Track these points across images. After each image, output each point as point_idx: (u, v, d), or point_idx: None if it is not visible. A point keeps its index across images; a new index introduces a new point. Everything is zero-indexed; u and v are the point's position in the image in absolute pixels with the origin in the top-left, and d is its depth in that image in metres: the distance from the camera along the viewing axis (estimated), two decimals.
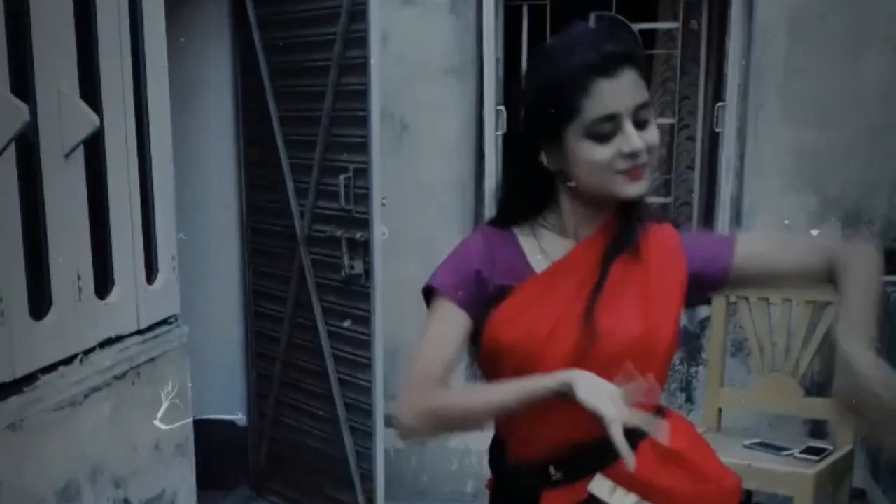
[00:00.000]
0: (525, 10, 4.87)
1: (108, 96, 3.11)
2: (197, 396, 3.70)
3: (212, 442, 4.50)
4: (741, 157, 4.74)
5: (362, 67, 4.11)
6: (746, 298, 4.08)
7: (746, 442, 3.92)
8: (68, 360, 2.94)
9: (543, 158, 1.86)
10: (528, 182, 1.91)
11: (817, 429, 4.58)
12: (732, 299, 4.11)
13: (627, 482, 1.82)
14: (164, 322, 3.47)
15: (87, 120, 2.91)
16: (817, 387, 4.57)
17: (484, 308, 1.87)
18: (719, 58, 4.84)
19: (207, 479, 4.02)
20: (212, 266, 5.02)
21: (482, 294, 1.87)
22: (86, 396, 2.99)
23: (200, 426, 3.85)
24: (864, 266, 1.85)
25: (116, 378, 3.15)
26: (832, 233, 4.70)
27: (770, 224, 4.68)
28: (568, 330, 1.81)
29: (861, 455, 4.47)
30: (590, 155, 1.78)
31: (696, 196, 5.03)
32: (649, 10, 5.02)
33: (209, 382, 4.71)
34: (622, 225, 1.89)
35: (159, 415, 3.41)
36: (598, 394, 1.63)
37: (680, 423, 1.99)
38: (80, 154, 2.94)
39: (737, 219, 4.76)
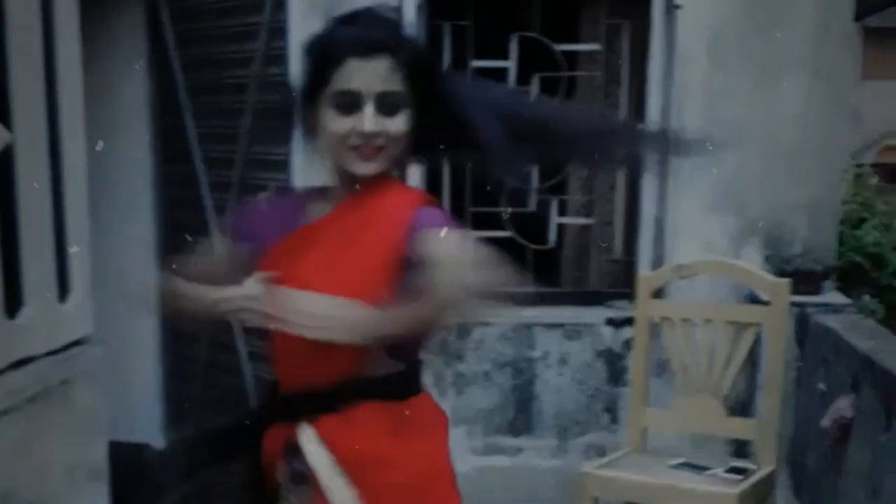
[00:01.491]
0: (447, 29, 4.85)
1: (19, 112, 3.04)
2: (112, 419, 3.62)
3: (128, 466, 4.41)
4: (663, 178, 4.76)
5: (283, 85, 4.07)
6: (669, 319, 4.08)
7: (671, 462, 3.91)
8: None
9: (307, 118, 2.04)
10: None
11: (740, 448, 4.60)
12: (656, 320, 4.11)
13: (326, 442, 2.00)
14: (77, 343, 3.39)
15: None
16: (740, 407, 4.60)
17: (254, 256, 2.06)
18: (641, 80, 4.87)
19: (123, 502, 3.93)
20: (127, 285, 4.93)
21: (253, 240, 2.09)
22: None
23: (116, 450, 3.76)
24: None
25: (27, 401, 3.07)
26: (754, 254, 4.74)
27: (693, 246, 4.70)
28: (292, 281, 1.94)
29: (784, 474, 4.50)
30: (331, 124, 1.95)
31: (618, 216, 5.04)
32: (572, 32, 5.03)
33: (125, 405, 4.61)
34: (382, 194, 2.02)
35: (72, 439, 3.33)
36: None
37: (421, 402, 2.13)
38: None
39: (660, 239, 4.78)
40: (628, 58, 4.97)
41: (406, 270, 1.92)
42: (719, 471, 3.85)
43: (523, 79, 4.86)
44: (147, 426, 5.06)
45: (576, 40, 5.04)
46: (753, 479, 3.80)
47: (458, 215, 5.04)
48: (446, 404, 4.85)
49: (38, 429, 3.13)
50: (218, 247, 2.14)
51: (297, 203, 2.12)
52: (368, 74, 1.92)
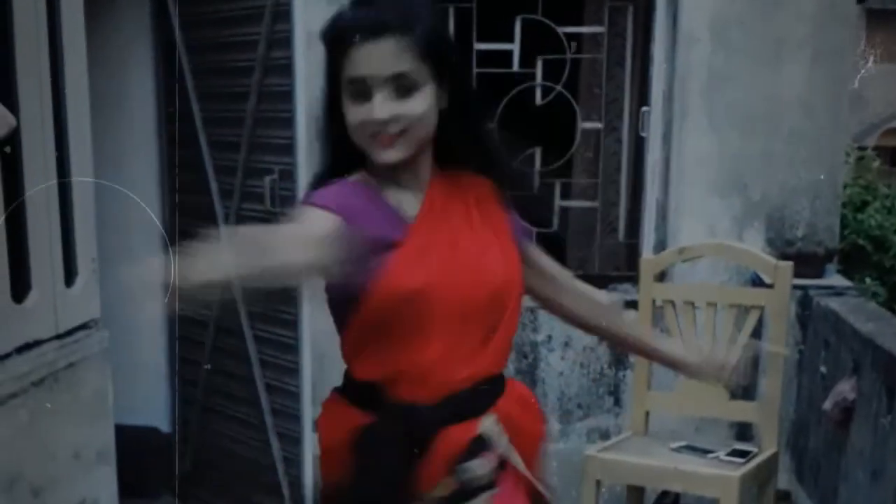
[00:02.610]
0: (451, 11, 4.85)
1: (25, 96, 3.06)
2: (119, 403, 3.65)
3: (134, 449, 4.43)
4: (666, 161, 4.78)
5: (287, 68, 4.07)
6: (672, 302, 4.09)
7: (673, 445, 3.93)
8: None
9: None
10: (336, 139, 1.96)
11: (743, 431, 4.62)
12: (658, 303, 4.13)
13: (505, 423, 2.00)
14: (83, 326, 3.42)
15: (2, 121, 2.84)
16: (742, 390, 4.61)
17: (358, 255, 1.79)
18: (644, 62, 4.87)
19: (130, 487, 3.97)
20: (134, 268, 4.94)
21: (363, 234, 1.82)
22: (2, 403, 2.94)
23: (122, 433, 3.79)
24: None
25: (34, 384, 3.10)
26: (757, 237, 4.75)
27: (696, 228, 4.71)
28: (457, 275, 1.90)
29: (786, 457, 4.53)
30: (348, 114, 1.87)
31: (622, 199, 5.05)
32: (575, 14, 5.03)
33: (131, 388, 4.63)
34: (452, 176, 2.00)
35: (79, 422, 3.35)
36: None
37: (516, 385, 2.12)
38: None
39: (663, 222, 4.79)
40: (632, 40, 4.97)
41: None
42: (721, 454, 3.87)
43: (527, 61, 4.86)
44: (153, 410, 5.08)
45: (580, 23, 5.04)
46: (756, 461, 3.82)
47: None
48: None
49: (44, 412, 3.16)
50: (312, 225, 1.81)
51: (377, 196, 1.95)
52: (371, 59, 1.83)
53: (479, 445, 1.95)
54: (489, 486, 1.97)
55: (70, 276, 3.36)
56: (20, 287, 3.08)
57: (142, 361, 4.99)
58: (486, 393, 1.97)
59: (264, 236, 1.70)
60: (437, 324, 1.89)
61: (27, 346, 3.11)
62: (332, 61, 1.89)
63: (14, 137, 2.97)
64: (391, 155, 1.88)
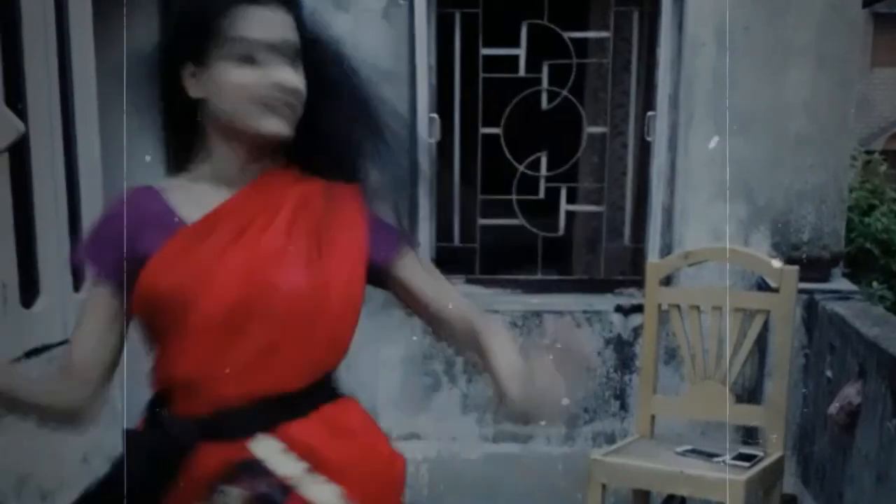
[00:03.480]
0: (458, 17, 4.87)
1: (33, 102, 3.07)
2: (128, 407, 3.65)
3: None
4: (672, 165, 4.78)
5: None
6: (678, 306, 4.10)
7: (679, 449, 3.94)
8: None
9: (187, 86, 1.79)
10: (171, 118, 1.87)
11: (748, 435, 4.62)
12: (664, 307, 4.14)
13: (298, 449, 1.75)
14: None
15: (11, 126, 2.87)
16: (748, 394, 4.62)
17: (133, 272, 1.75)
18: (650, 67, 4.88)
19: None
20: None
21: (132, 260, 1.75)
22: None
23: (131, 437, 3.79)
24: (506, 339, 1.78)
25: None
26: (762, 241, 4.76)
27: (701, 233, 4.71)
28: (229, 280, 1.72)
29: (792, 461, 4.53)
30: (234, 77, 1.72)
31: (628, 204, 5.06)
32: (581, 19, 5.05)
33: (141, 393, 4.64)
34: (290, 175, 1.83)
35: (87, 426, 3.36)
36: None
37: (351, 405, 1.89)
38: (4, 161, 2.91)
39: (668, 226, 4.79)
40: (637, 45, 4.98)
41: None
42: (727, 457, 3.87)
43: (533, 66, 4.87)
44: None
45: (585, 27, 5.05)
46: (761, 465, 3.82)
47: (470, 203, 5.07)
48: (457, 392, 4.92)
49: None
50: (98, 312, 1.80)
51: (158, 202, 1.83)
52: (269, 22, 1.73)
53: (249, 469, 1.74)
54: None
55: (79, 282, 3.38)
56: (29, 292, 3.10)
57: (149, 366, 5.00)
58: (269, 413, 1.75)
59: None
60: (198, 332, 1.73)
61: (36, 351, 3.12)
62: (199, 28, 1.74)
63: (22, 143, 2.99)
64: (279, 125, 1.75)
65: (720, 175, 4.76)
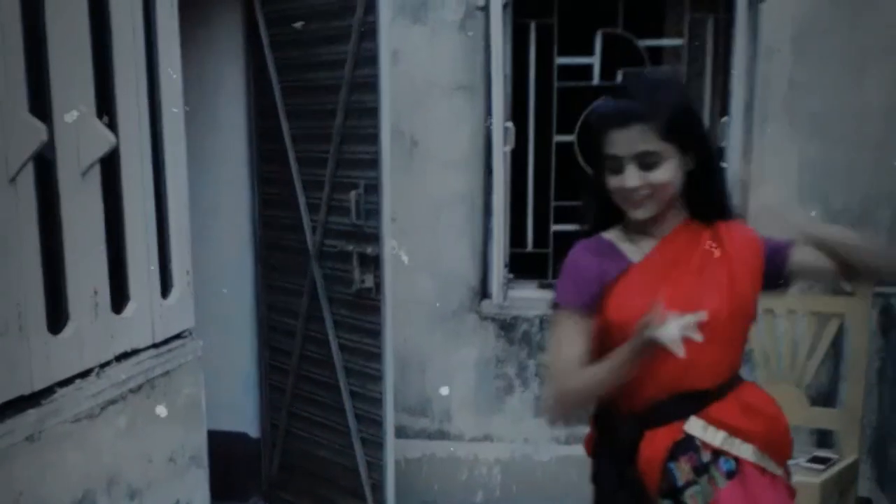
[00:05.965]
0: (533, 27, 4.93)
1: (124, 115, 3.16)
2: (211, 409, 3.75)
3: (225, 453, 4.56)
4: (747, 170, 4.78)
5: (373, 85, 4.17)
6: None
7: None
8: (85, 374, 2.99)
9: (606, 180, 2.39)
10: (600, 201, 2.43)
11: (823, 438, 4.61)
12: None
13: (717, 424, 2.37)
14: (178, 336, 3.52)
15: (103, 139, 2.97)
16: (823, 397, 4.62)
17: (602, 296, 2.38)
18: (724, 73, 4.89)
19: (221, 490, 4.07)
20: (225, 280, 5.08)
21: (596, 293, 2.38)
22: (102, 409, 3.03)
23: (214, 438, 3.89)
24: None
25: (132, 391, 3.19)
26: None
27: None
28: (669, 305, 2.17)
29: (867, 464, 4.51)
30: (608, 183, 2.36)
31: None
32: (656, 27, 5.08)
33: (223, 395, 4.76)
34: (698, 221, 2.42)
35: (174, 427, 3.46)
36: (661, 327, 2.10)
37: (752, 387, 2.52)
38: (96, 172, 2.99)
39: None
40: (712, 52, 4.99)
41: (767, 281, 2.40)
42: (802, 460, 3.88)
43: (607, 75, 4.91)
44: (243, 416, 5.20)
45: (660, 36, 5.08)
46: (836, 468, 3.83)
47: (543, 209, 5.13)
48: (529, 395, 4.98)
49: (141, 418, 3.26)
50: (577, 332, 2.38)
51: (608, 247, 2.45)
52: (626, 140, 2.29)
53: (684, 446, 2.37)
54: (693, 482, 2.35)
55: (166, 288, 3.47)
56: (120, 298, 3.19)
57: (232, 370, 5.11)
58: (690, 401, 2.37)
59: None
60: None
61: (125, 355, 3.20)
62: (595, 141, 2.36)
63: (113, 155, 3.09)
64: (640, 213, 2.36)
65: (795, 179, 4.76)
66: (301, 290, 4.76)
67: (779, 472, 2.46)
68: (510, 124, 4.89)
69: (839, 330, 4.04)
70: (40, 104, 2.79)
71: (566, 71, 4.94)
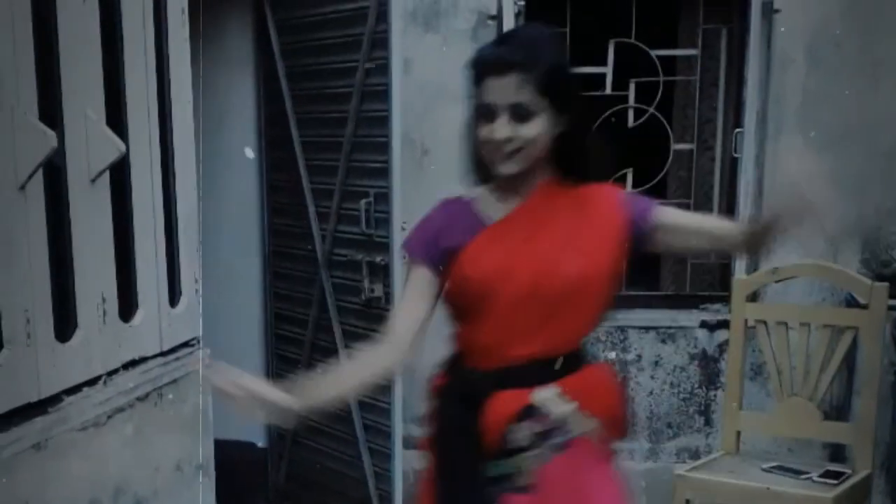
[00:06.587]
0: None
1: (133, 122, 3.15)
2: (218, 418, 3.73)
3: (232, 463, 4.54)
4: (759, 182, 4.77)
5: (384, 94, 4.16)
6: (765, 322, 4.09)
7: (765, 465, 3.93)
8: (92, 382, 2.98)
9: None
10: (473, 152, 2.43)
11: (836, 453, 4.59)
12: (751, 323, 4.13)
13: (569, 395, 2.38)
14: (186, 344, 3.50)
15: (113, 146, 2.95)
16: (836, 411, 4.59)
17: (448, 259, 2.38)
18: (738, 84, 4.87)
19: (227, 499, 4.04)
20: (234, 289, 5.06)
21: (444, 250, 2.39)
22: (109, 417, 3.02)
23: (221, 447, 3.87)
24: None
25: (139, 399, 3.18)
26: (851, 257, 4.72)
27: (789, 248, 4.69)
28: (523, 267, 2.31)
29: (880, 479, 4.48)
30: (478, 131, 2.34)
31: None
32: (669, 37, 5.06)
33: (230, 405, 4.73)
34: (560, 185, 2.41)
35: (181, 436, 3.44)
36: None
37: (604, 367, 2.69)
38: (105, 179, 2.98)
39: None
40: (725, 62, 4.97)
41: (630, 241, 2.39)
42: (814, 475, 3.85)
43: (620, 84, 4.90)
44: (250, 425, 5.18)
45: (673, 45, 5.06)
46: (849, 483, 3.80)
47: None
48: None
49: (148, 426, 3.25)
50: (419, 286, 2.43)
51: (466, 208, 2.47)
52: (502, 89, 2.27)
53: (529, 412, 2.37)
54: (530, 447, 2.37)
55: (174, 296, 3.46)
56: (128, 306, 3.19)
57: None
58: (542, 369, 2.38)
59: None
60: (495, 307, 2.34)
61: (133, 363, 3.19)
62: (472, 89, 2.34)
63: (122, 162, 3.08)
64: (507, 168, 2.33)
65: (808, 191, 4.73)
66: (310, 300, 4.75)
67: (610, 452, 2.51)
68: None
69: (853, 343, 4.01)
70: (50, 111, 2.78)
71: (579, 80, 4.91)
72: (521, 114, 2.28)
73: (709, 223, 2.54)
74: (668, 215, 2.42)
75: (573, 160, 2.40)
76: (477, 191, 2.48)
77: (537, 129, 2.30)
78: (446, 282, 2.41)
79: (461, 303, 2.40)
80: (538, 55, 2.29)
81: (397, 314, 2.45)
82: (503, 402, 2.37)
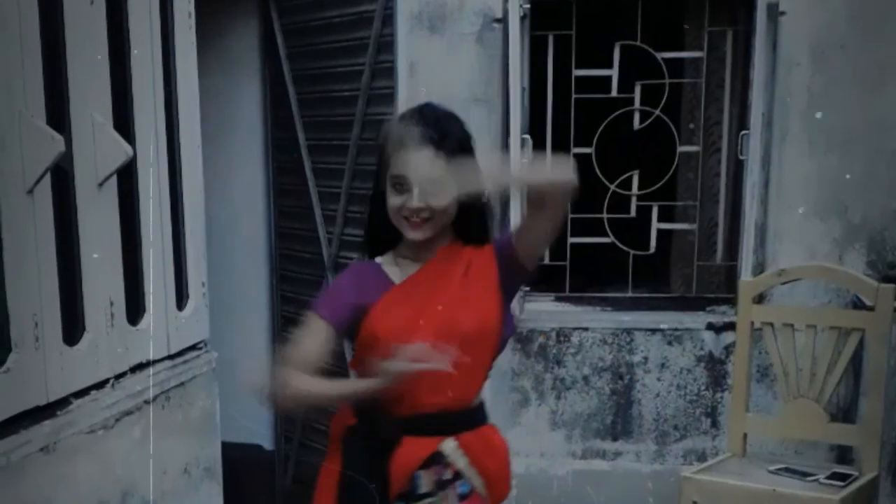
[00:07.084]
0: (551, 39, 4.92)
1: (140, 126, 3.17)
2: (225, 420, 3.75)
3: (239, 465, 4.55)
4: (765, 184, 4.77)
5: (390, 97, 4.17)
6: (771, 324, 4.09)
7: (771, 467, 3.92)
8: (100, 385, 3.00)
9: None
10: (380, 220, 2.54)
11: (843, 454, 4.58)
12: (757, 325, 4.12)
13: (464, 450, 2.53)
14: (193, 347, 3.53)
15: (120, 150, 2.97)
16: (843, 413, 4.58)
17: (359, 315, 2.49)
18: (744, 86, 4.87)
19: (235, 502, 4.06)
20: (241, 292, 5.07)
21: (354, 306, 2.50)
22: (117, 420, 3.04)
23: (228, 450, 3.89)
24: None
25: (147, 402, 3.20)
26: (857, 259, 4.72)
27: (795, 250, 4.70)
28: (426, 324, 2.45)
29: (887, 481, 4.47)
30: (389, 200, 2.46)
31: (721, 222, 5.05)
32: (675, 39, 5.06)
33: (237, 407, 4.74)
34: (456, 249, 2.56)
35: (188, 439, 3.45)
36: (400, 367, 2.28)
37: (494, 430, 2.67)
38: (113, 183, 3.00)
39: (762, 244, 4.78)
40: (731, 64, 4.97)
41: (507, 283, 2.56)
42: (821, 476, 3.85)
43: (626, 87, 4.90)
44: (257, 428, 5.19)
45: (679, 48, 5.06)
46: (856, 485, 3.79)
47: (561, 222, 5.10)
48: (546, 409, 4.96)
49: (156, 429, 3.26)
50: (315, 334, 2.53)
51: (376, 269, 2.58)
52: (413, 163, 2.40)
53: (435, 459, 2.51)
54: (430, 494, 2.52)
55: (182, 299, 3.48)
56: (135, 310, 3.20)
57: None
58: (449, 420, 2.53)
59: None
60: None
61: (141, 366, 3.21)
62: (383, 160, 2.47)
63: (130, 166, 3.10)
64: (417, 235, 2.48)
65: (814, 193, 4.74)
66: None
67: None
68: (528, 137, 4.87)
69: (859, 345, 4.00)
70: (58, 115, 2.79)
71: (584, 83, 4.92)
72: (433, 185, 2.39)
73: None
74: (514, 227, 2.70)
75: (471, 225, 2.55)
76: (384, 257, 2.61)
77: (447, 199, 2.40)
78: (356, 338, 2.53)
79: (372, 355, 2.45)
80: (448, 131, 2.45)
81: (294, 351, 2.53)
82: (412, 448, 2.50)
